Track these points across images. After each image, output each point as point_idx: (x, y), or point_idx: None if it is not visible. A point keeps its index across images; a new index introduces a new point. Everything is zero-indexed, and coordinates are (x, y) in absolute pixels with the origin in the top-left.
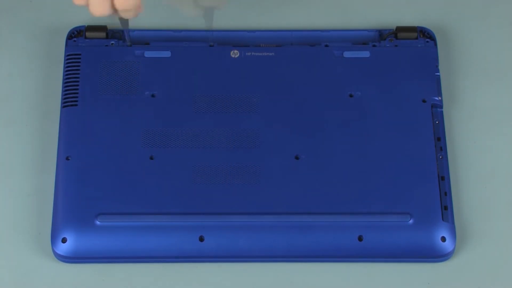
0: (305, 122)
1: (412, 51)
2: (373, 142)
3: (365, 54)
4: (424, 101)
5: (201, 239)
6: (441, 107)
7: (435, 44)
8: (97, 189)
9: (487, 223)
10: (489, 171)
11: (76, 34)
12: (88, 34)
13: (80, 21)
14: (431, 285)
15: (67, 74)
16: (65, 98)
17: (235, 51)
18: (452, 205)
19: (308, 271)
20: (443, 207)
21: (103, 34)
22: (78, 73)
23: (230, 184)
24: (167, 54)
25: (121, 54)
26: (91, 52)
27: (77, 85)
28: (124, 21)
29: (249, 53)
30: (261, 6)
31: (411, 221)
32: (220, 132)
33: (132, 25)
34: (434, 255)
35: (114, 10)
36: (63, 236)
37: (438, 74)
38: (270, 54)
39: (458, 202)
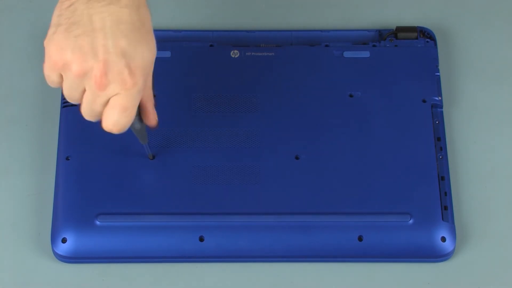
0: (305, 122)
1: (412, 51)
2: (373, 142)
3: (365, 54)
4: (424, 101)
5: (201, 239)
6: (441, 107)
7: (435, 44)
8: (97, 189)
9: (487, 223)
10: (489, 171)
11: None
12: None
13: None
14: (431, 285)
15: None
16: (65, 98)
17: (235, 51)
18: (452, 205)
19: (308, 271)
20: (443, 207)
21: None
22: None
23: (230, 184)
24: (167, 54)
25: None
26: None
27: None
28: (141, 135)
29: (249, 53)
30: (261, 6)
31: (411, 221)
32: (220, 132)
33: None
34: (434, 255)
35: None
36: (63, 236)
37: (438, 74)
38: (270, 54)
39: (458, 202)
